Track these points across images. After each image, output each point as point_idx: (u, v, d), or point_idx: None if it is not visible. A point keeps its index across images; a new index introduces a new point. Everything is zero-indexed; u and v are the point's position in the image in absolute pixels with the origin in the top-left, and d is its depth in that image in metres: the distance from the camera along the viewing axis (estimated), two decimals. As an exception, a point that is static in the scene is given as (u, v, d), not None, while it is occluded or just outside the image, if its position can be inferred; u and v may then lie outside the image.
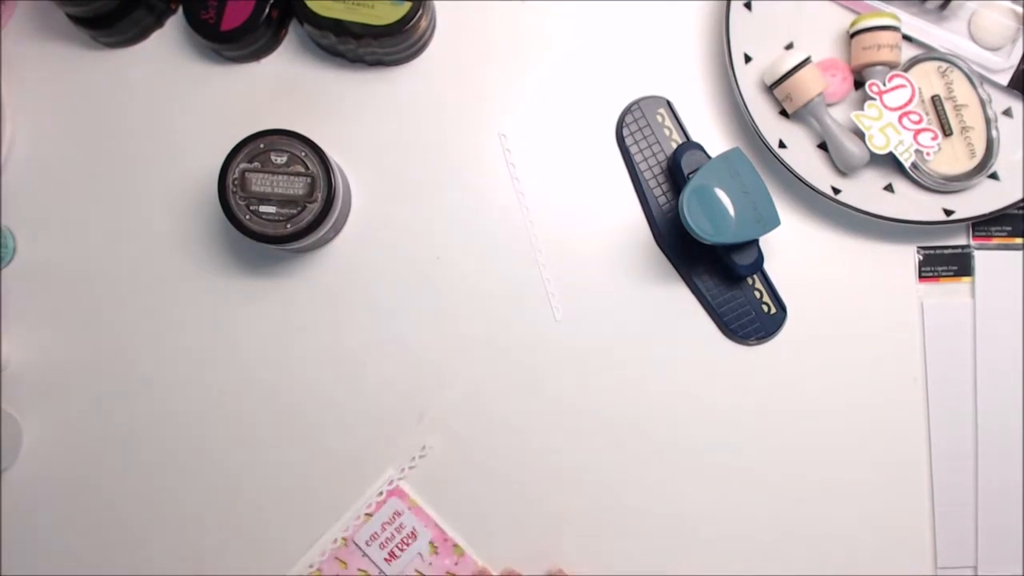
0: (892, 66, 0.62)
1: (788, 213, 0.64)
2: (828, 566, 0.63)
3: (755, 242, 0.61)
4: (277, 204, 0.59)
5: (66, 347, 0.65)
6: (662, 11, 0.66)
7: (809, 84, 0.61)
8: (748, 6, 0.63)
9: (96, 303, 0.65)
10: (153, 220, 0.65)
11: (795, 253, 0.65)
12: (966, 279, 0.65)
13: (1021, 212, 0.65)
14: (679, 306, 0.65)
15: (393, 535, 0.59)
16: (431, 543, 0.60)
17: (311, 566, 0.60)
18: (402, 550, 0.59)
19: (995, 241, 0.65)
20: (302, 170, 0.59)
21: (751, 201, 0.58)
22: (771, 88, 0.62)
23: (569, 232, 0.65)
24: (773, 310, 0.64)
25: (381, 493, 0.59)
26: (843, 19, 0.64)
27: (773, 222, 0.59)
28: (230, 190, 0.59)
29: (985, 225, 0.65)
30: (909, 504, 0.64)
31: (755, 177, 0.58)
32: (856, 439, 0.64)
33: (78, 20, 0.63)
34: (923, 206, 0.62)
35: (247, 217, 0.59)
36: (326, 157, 0.59)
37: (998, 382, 0.64)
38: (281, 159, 0.59)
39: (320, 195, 0.59)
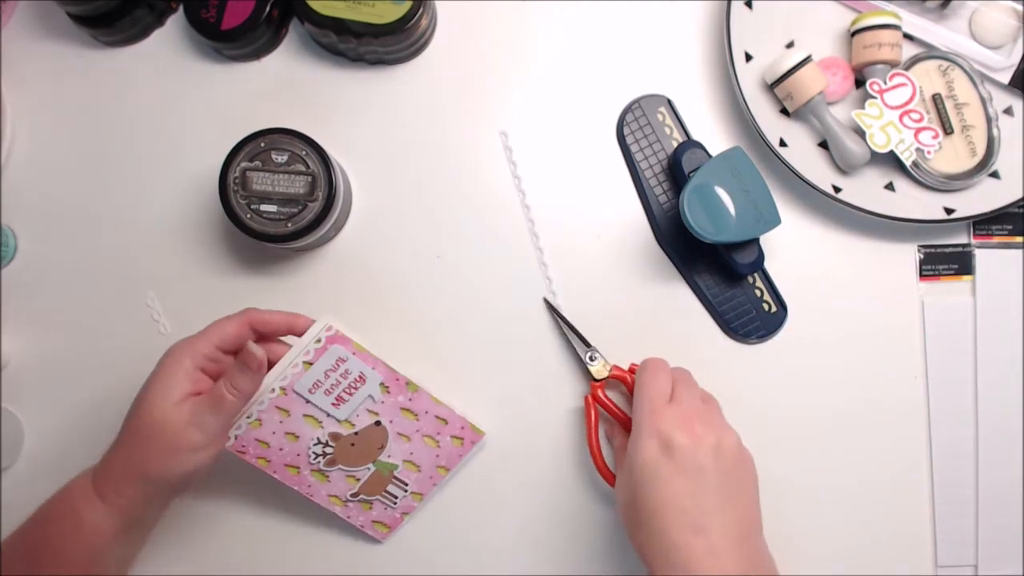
0: (893, 65, 0.62)
1: (789, 212, 0.64)
2: (828, 566, 0.63)
3: (756, 241, 0.61)
4: (278, 203, 0.59)
5: (66, 346, 0.65)
6: (663, 10, 0.66)
7: (810, 83, 0.61)
8: (749, 4, 0.63)
9: (96, 302, 0.65)
10: (154, 219, 0.65)
11: (796, 252, 0.65)
12: (967, 278, 0.65)
13: (1022, 211, 0.65)
14: (680, 305, 0.65)
15: (339, 381, 0.57)
16: (382, 384, 0.58)
17: (248, 416, 0.57)
18: (350, 394, 0.57)
19: (996, 240, 0.65)
20: (303, 169, 0.59)
21: (752, 200, 0.58)
22: (772, 87, 0.62)
23: (570, 231, 0.65)
24: (774, 309, 0.64)
25: (319, 340, 0.56)
26: (844, 18, 0.64)
27: (774, 221, 0.59)
28: (231, 189, 0.59)
29: (986, 224, 0.65)
30: (909, 504, 0.64)
31: (756, 176, 0.58)
32: (856, 438, 0.64)
33: (79, 19, 0.63)
34: (924, 205, 0.62)
35: (248, 216, 0.59)
36: (327, 156, 0.59)
37: (999, 381, 0.64)
38: (282, 158, 0.59)
39: (321, 194, 0.59)
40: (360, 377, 0.57)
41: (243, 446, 0.58)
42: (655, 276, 0.65)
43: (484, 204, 0.65)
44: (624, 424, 0.62)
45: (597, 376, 0.63)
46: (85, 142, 0.66)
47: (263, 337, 0.56)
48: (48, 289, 0.65)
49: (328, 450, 0.58)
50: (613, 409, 0.63)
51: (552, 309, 0.64)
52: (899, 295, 0.65)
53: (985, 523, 0.63)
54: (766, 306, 0.64)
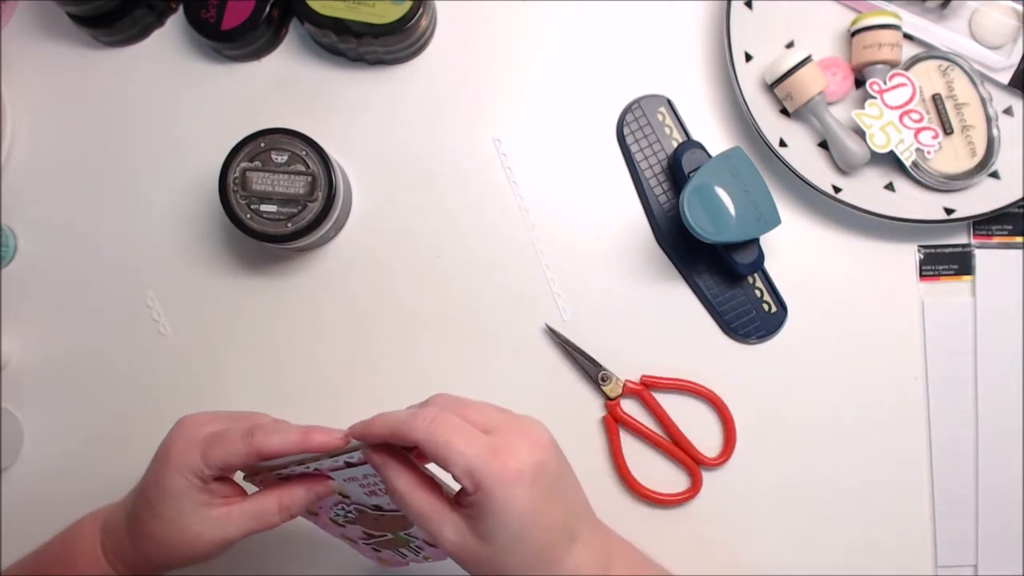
0: (893, 65, 0.62)
1: (789, 212, 0.64)
2: (828, 566, 0.63)
3: (756, 241, 0.61)
4: (278, 203, 0.59)
5: (66, 346, 0.65)
6: (662, 10, 0.66)
7: (810, 83, 0.61)
8: (749, 5, 0.63)
9: (96, 302, 0.65)
10: (153, 219, 0.65)
11: (796, 252, 0.65)
12: (967, 278, 0.65)
13: (1022, 211, 0.65)
14: (680, 305, 0.65)
15: (376, 481, 0.49)
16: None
17: (285, 468, 0.50)
18: (385, 492, 0.50)
19: (996, 240, 0.65)
20: (303, 169, 0.59)
21: (752, 200, 0.58)
22: (772, 87, 0.62)
23: (570, 231, 0.65)
24: (774, 309, 0.64)
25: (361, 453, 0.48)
26: (844, 18, 0.64)
27: (774, 221, 0.58)
28: (231, 189, 0.59)
29: (986, 224, 0.65)
30: (909, 504, 0.64)
31: (756, 176, 0.58)
32: (856, 438, 0.64)
33: (78, 19, 0.63)
34: (924, 205, 0.62)
35: (248, 216, 0.59)
36: (327, 156, 0.59)
37: (999, 381, 0.64)
38: (282, 158, 0.59)
39: (321, 194, 0.59)
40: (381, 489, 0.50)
41: (261, 482, 0.52)
42: (655, 276, 0.65)
43: (484, 204, 0.65)
44: (650, 439, 0.63)
45: (611, 395, 0.63)
46: (85, 142, 0.66)
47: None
48: (48, 289, 0.65)
49: (352, 514, 0.53)
50: (635, 424, 0.63)
51: (557, 335, 0.63)
52: (899, 295, 0.65)
53: (985, 523, 0.63)
54: (766, 306, 0.64)
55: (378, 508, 0.51)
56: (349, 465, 0.48)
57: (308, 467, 0.49)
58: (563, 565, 0.44)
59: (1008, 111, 0.63)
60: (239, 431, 0.48)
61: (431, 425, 0.43)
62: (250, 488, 0.52)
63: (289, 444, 0.47)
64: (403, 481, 0.45)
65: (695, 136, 0.65)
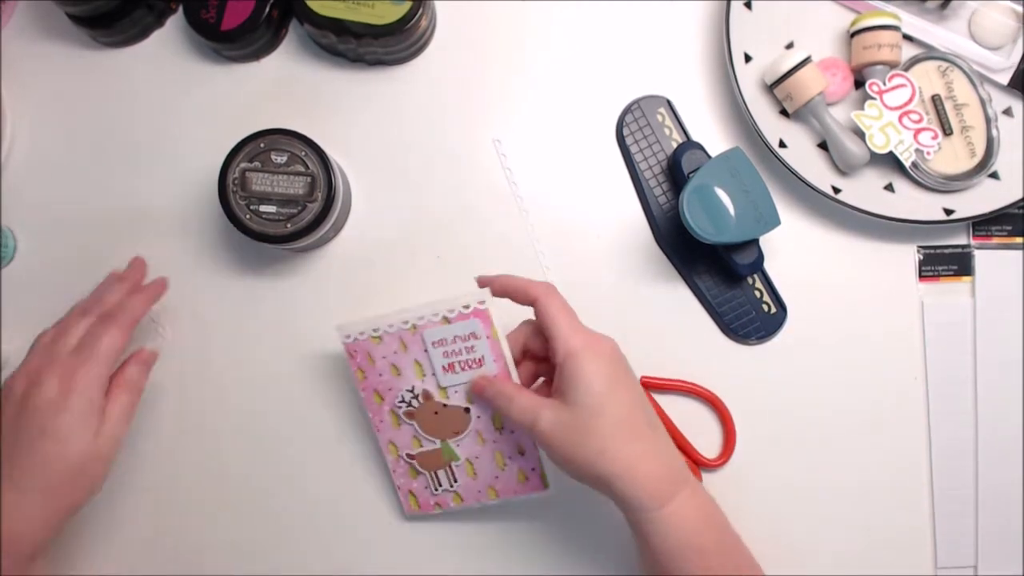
0: (892, 65, 0.62)
1: (788, 212, 0.64)
2: (828, 566, 0.63)
3: (755, 241, 0.61)
4: (277, 203, 0.59)
5: (66, 347, 0.65)
6: (662, 11, 0.66)
7: (809, 83, 0.61)
8: (748, 5, 0.63)
9: (96, 303, 0.65)
10: (153, 219, 0.65)
11: (795, 253, 0.65)
12: (966, 279, 0.65)
13: (1021, 211, 0.65)
14: (679, 305, 0.65)
15: (461, 351, 0.57)
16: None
17: (375, 331, 0.58)
18: (463, 369, 0.57)
19: (995, 240, 0.65)
20: (302, 169, 0.59)
21: (751, 200, 0.58)
22: (771, 87, 0.62)
23: (570, 231, 0.65)
24: (773, 309, 0.64)
25: (468, 307, 0.56)
26: (843, 18, 0.64)
27: (773, 221, 0.59)
28: (230, 189, 0.59)
29: (985, 224, 0.65)
30: (909, 504, 0.64)
31: (755, 176, 0.58)
32: (856, 439, 0.64)
33: (78, 20, 0.63)
34: (923, 205, 0.62)
35: (247, 216, 0.59)
36: (326, 156, 0.59)
37: (998, 381, 0.64)
38: (281, 158, 0.59)
39: (320, 194, 0.59)
40: (479, 360, 0.57)
41: (355, 350, 0.59)
42: (655, 277, 0.65)
43: (484, 204, 0.65)
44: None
45: None
46: (85, 142, 0.66)
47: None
48: (48, 289, 0.65)
49: (415, 403, 0.59)
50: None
51: None
52: (899, 296, 0.65)
53: (985, 523, 0.63)
54: (766, 307, 0.64)
55: (445, 395, 0.58)
56: (447, 321, 0.56)
57: (407, 323, 0.57)
58: (645, 438, 0.51)
59: (1007, 112, 0.63)
60: None
61: (548, 292, 0.53)
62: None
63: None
64: (505, 358, 0.56)
65: (695, 137, 0.65)
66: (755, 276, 0.64)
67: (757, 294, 0.64)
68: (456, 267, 0.65)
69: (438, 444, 0.59)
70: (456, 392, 0.58)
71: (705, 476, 0.63)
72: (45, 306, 0.65)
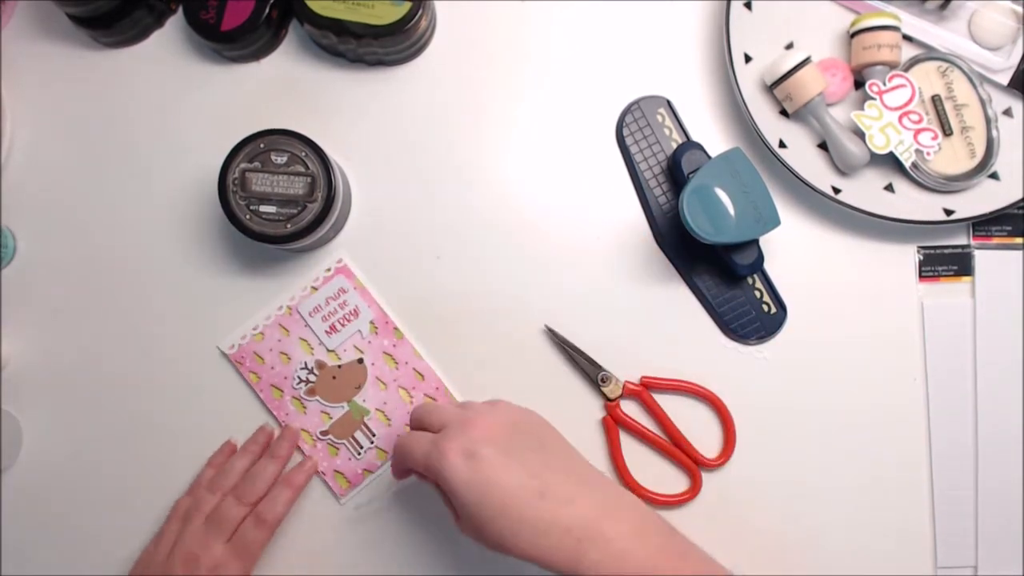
0: (892, 66, 0.62)
1: (788, 213, 0.64)
2: (828, 566, 0.63)
3: (755, 242, 0.61)
4: (277, 204, 0.59)
5: (66, 347, 0.65)
6: (662, 11, 0.66)
7: (809, 84, 0.61)
8: (748, 6, 0.63)
9: (96, 303, 0.65)
10: (153, 220, 0.65)
11: (795, 253, 0.65)
12: (966, 279, 0.65)
13: (1021, 212, 0.65)
14: (679, 306, 0.65)
15: (336, 310, 0.62)
16: (372, 323, 0.63)
17: (255, 329, 0.62)
18: (343, 325, 0.62)
19: (995, 241, 0.65)
20: (302, 170, 0.59)
21: (751, 201, 0.58)
22: (771, 88, 0.63)
23: (570, 231, 0.65)
24: (773, 310, 0.64)
25: (329, 269, 0.63)
26: (843, 19, 0.64)
27: (773, 222, 0.59)
28: (230, 190, 0.59)
29: (985, 225, 0.65)
30: (909, 504, 0.64)
31: (755, 177, 0.58)
32: (856, 439, 0.64)
33: (78, 20, 0.63)
34: (923, 206, 0.62)
35: (247, 217, 0.59)
36: (326, 157, 0.59)
37: (998, 382, 0.64)
38: (281, 159, 0.59)
39: (320, 195, 0.59)
40: (355, 311, 0.62)
41: (242, 357, 0.62)
42: (655, 277, 0.65)
43: (484, 204, 0.65)
44: (650, 440, 0.63)
45: (611, 396, 0.63)
46: (85, 143, 0.66)
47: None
48: (48, 289, 0.65)
49: (312, 377, 0.62)
50: (635, 425, 0.63)
51: (556, 336, 0.63)
52: (898, 296, 0.65)
53: (985, 523, 0.63)
54: (766, 307, 0.64)
55: (336, 358, 0.62)
56: (315, 290, 0.62)
57: (281, 307, 0.63)
58: (531, 519, 0.48)
59: (1007, 112, 0.63)
60: None
61: (395, 450, 0.53)
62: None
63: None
64: (377, 302, 0.60)
65: (695, 137, 0.65)
66: (755, 276, 0.64)
67: (757, 294, 0.64)
68: (456, 267, 0.65)
69: (346, 406, 0.62)
70: (345, 350, 0.62)
71: (705, 476, 0.63)
72: (45, 307, 0.65)
